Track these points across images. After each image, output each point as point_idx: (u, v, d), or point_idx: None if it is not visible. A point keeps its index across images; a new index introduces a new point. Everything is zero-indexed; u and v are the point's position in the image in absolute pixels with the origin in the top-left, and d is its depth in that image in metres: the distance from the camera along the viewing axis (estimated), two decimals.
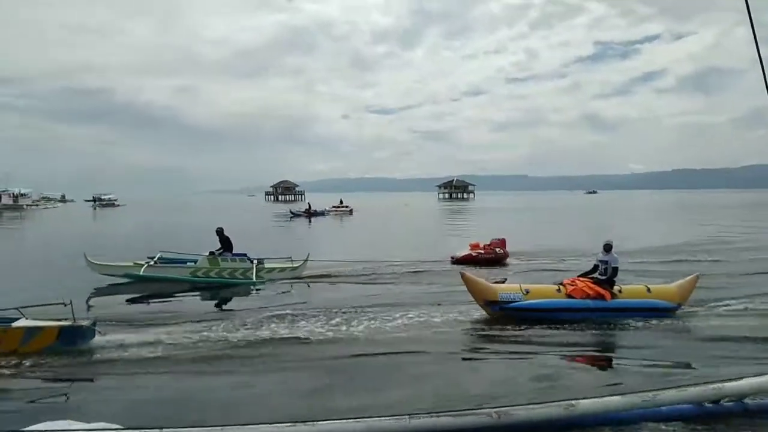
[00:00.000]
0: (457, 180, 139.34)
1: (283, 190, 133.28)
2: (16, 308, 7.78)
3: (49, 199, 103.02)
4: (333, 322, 9.12)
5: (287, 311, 9.86)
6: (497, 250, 16.91)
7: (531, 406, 4.56)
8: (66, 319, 7.71)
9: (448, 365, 7.24)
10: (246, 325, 8.80)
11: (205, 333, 8.29)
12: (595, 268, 9.96)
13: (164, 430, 3.88)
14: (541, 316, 9.20)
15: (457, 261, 16.37)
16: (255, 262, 14.18)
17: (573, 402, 4.56)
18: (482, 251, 16.73)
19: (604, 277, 9.69)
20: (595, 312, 9.27)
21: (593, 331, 8.79)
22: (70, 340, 7.60)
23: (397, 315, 9.59)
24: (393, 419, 4.21)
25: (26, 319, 7.80)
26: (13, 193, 79.44)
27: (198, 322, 9.06)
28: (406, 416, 4.23)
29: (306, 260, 14.72)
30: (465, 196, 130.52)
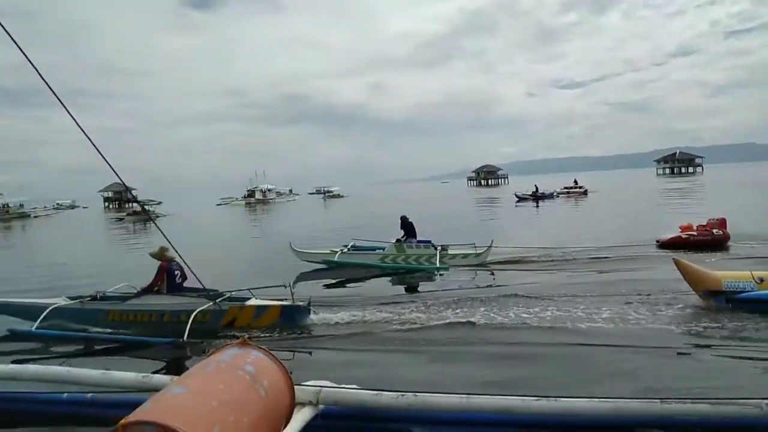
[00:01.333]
0: (680, 152, 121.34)
1: (486, 175, 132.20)
2: (248, 289, 8.91)
3: (280, 193, 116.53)
4: (517, 309, 8.69)
5: (470, 296, 9.86)
6: (714, 231, 14.54)
7: None
8: (286, 299, 8.63)
9: (658, 360, 6.33)
10: (430, 308, 9.04)
11: (395, 314, 8.72)
12: None
13: (405, 394, 4.13)
14: None
15: (663, 244, 14.73)
16: (439, 248, 14.34)
17: None
18: (695, 233, 14.63)
19: None
20: None
21: None
22: (290, 317, 8.56)
23: (593, 304, 8.72)
24: (643, 401, 3.97)
25: (255, 298, 8.88)
26: (263, 189, 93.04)
27: (388, 304, 9.63)
28: (658, 400, 3.94)
29: (490, 246, 14.40)
30: (691, 170, 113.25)
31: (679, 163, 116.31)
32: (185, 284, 9.01)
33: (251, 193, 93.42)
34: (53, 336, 8.15)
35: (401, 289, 12.15)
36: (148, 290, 8.81)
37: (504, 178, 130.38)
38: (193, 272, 8.28)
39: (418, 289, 11.97)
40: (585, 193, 49.93)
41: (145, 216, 49.42)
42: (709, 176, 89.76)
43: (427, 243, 14.51)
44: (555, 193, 49.21)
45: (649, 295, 9.24)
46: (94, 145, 6.23)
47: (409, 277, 13.31)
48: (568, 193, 50.09)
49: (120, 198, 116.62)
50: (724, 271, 8.63)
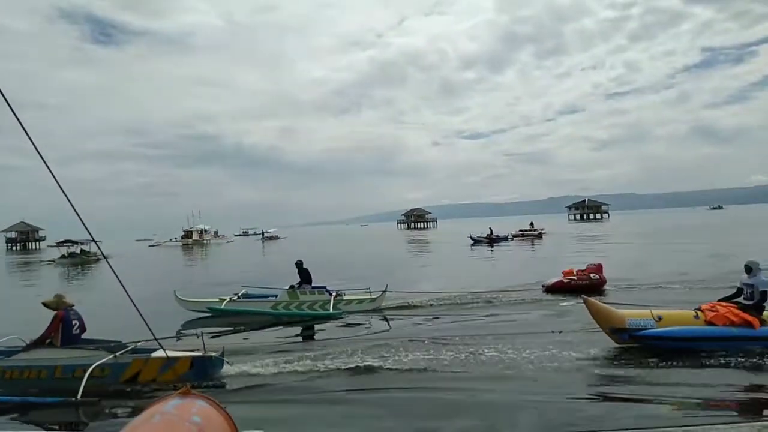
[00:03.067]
0: (588, 200, 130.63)
1: (416, 218, 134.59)
2: (156, 339, 8.00)
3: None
4: (409, 354, 8.64)
5: (367, 342, 9.78)
6: (592, 276, 15.67)
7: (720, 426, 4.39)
8: (197, 350, 7.96)
9: (552, 405, 6.21)
10: (334, 355, 8.81)
11: (295, 363, 8.42)
12: (739, 292, 8.77)
13: None
14: (676, 345, 8.16)
15: (548, 289, 15.60)
16: (334, 294, 14.10)
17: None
18: (575, 277, 15.64)
19: (750, 302, 8.43)
20: (741, 341, 8.06)
21: (741, 368, 7.48)
22: (202, 369, 7.83)
23: (488, 347, 8.84)
24: None
25: (163, 349, 7.95)
26: (199, 230, 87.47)
27: (295, 351, 9.40)
28: None
29: (384, 291, 14.32)
30: (599, 216, 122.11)
31: (588, 210, 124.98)
32: (84, 335, 8.23)
33: (188, 234, 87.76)
34: None
35: (307, 335, 11.95)
36: (38, 343, 7.87)
37: (433, 221, 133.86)
38: (146, 321, 6.87)
39: (319, 336, 11.72)
40: (539, 236, 50.66)
41: (82, 258, 44.68)
42: (614, 222, 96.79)
43: (322, 289, 14.25)
44: (509, 236, 49.56)
45: (561, 332, 9.69)
46: (62, 189, 5.62)
47: (305, 324, 12.95)
48: (522, 235, 50.83)
49: (26, 239, 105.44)
50: (627, 310, 9.09)
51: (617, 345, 8.62)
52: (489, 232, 48.02)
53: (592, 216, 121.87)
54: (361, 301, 14.19)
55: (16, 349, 7.99)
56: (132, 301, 6.82)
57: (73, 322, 8.08)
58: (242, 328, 12.50)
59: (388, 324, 12.49)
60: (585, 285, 15.21)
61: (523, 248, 39.54)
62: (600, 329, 8.84)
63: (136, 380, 7.70)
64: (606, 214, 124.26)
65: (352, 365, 8.15)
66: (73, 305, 8.25)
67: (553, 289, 15.35)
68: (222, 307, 13.75)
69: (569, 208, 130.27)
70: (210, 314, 13.77)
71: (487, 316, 12.58)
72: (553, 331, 9.78)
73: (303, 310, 13.74)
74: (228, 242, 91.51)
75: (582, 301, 9.04)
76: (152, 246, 79.29)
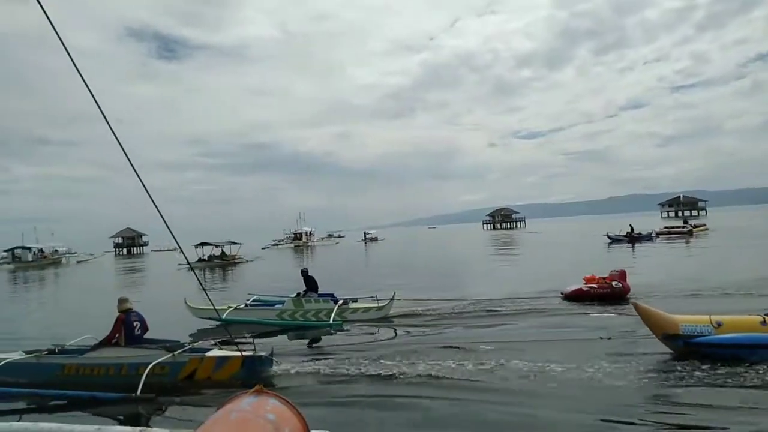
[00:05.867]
0: (684, 196, 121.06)
1: (502, 218, 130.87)
2: (213, 340, 8.99)
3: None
4: (438, 362, 8.19)
5: (384, 350, 9.44)
6: (614, 284, 14.52)
7: None
8: (247, 350, 8.01)
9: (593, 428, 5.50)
10: (363, 361, 8.50)
11: (332, 366, 8.30)
12: None
13: None
14: (736, 354, 7.21)
15: (567, 296, 14.71)
16: (340, 302, 13.57)
17: None
18: (596, 285, 14.54)
19: None
20: None
21: None
22: (252, 368, 7.96)
23: (511, 358, 8.17)
24: None
25: (218, 348, 8.50)
26: (307, 232, 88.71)
27: (324, 356, 9.34)
28: None
29: (392, 299, 13.66)
30: (695, 213, 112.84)
31: (683, 206, 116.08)
32: (146, 336, 8.71)
33: (298, 236, 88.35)
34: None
35: (338, 339, 11.58)
36: (105, 343, 8.41)
37: (521, 221, 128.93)
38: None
39: (347, 342, 11.19)
40: (690, 233, 45.41)
41: (223, 261, 44.33)
42: (719, 218, 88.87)
43: (328, 297, 13.74)
44: (653, 234, 44.65)
45: (610, 338, 9.06)
46: (150, 196, 5.85)
47: (332, 330, 12.44)
48: (669, 233, 46.13)
49: (132, 243, 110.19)
50: (683, 315, 8.32)
51: (671, 352, 7.98)
52: (629, 230, 42.60)
53: (687, 213, 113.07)
54: (367, 309, 13.62)
55: (86, 347, 8.52)
56: (212, 304, 8.34)
57: (134, 324, 8.53)
58: (253, 334, 12.19)
59: (395, 333, 11.90)
60: (606, 294, 14.15)
61: (685, 247, 34.97)
62: (653, 336, 8.23)
63: (193, 378, 7.98)
64: (704, 211, 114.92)
65: (377, 371, 7.95)
66: (132, 308, 8.66)
67: (572, 297, 14.39)
68: (224, 317, 12.98)
69: (662, 205, 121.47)
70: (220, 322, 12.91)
71: (514, 323, 11.90)
72: (601, 338, 9.33)
73: (307, 318, 13.28)
74: (336, 243, 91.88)
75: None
76: (264, 248, 79.69)
